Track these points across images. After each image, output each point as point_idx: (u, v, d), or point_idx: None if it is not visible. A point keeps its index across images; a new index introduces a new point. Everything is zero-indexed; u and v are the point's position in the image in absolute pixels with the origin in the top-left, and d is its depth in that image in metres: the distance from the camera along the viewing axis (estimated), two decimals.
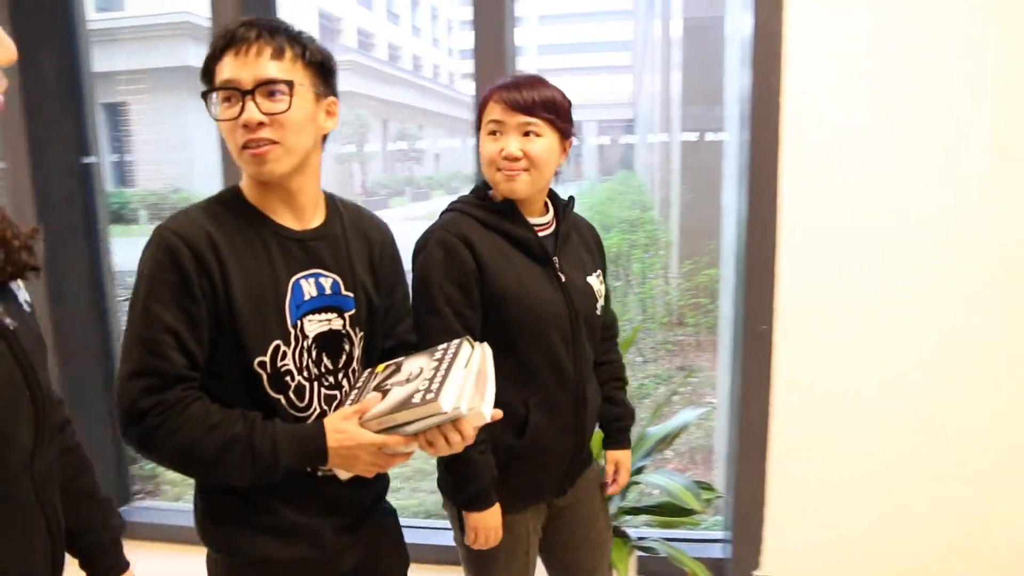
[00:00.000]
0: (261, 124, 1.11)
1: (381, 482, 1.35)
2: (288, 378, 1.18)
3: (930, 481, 2.13)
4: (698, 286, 3.80)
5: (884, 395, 2.08)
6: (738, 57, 2.10)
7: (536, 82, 1.43)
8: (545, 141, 1.40)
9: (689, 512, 2.04)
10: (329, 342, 1.22)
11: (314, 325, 1.20)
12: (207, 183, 3.30)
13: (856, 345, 2.06)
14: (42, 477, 0.91)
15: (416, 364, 1.19)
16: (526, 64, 13.88)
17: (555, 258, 1.46)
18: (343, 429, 1.13)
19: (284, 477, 1.14)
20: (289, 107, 1.11)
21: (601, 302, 1.53)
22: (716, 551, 2.33)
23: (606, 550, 1.66)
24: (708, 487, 2.13)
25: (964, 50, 1.90)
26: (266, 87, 1.11)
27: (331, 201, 1.29)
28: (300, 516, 1.23)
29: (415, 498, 3.56)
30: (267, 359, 1.16)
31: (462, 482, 1.42)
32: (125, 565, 1.19)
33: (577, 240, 1.55)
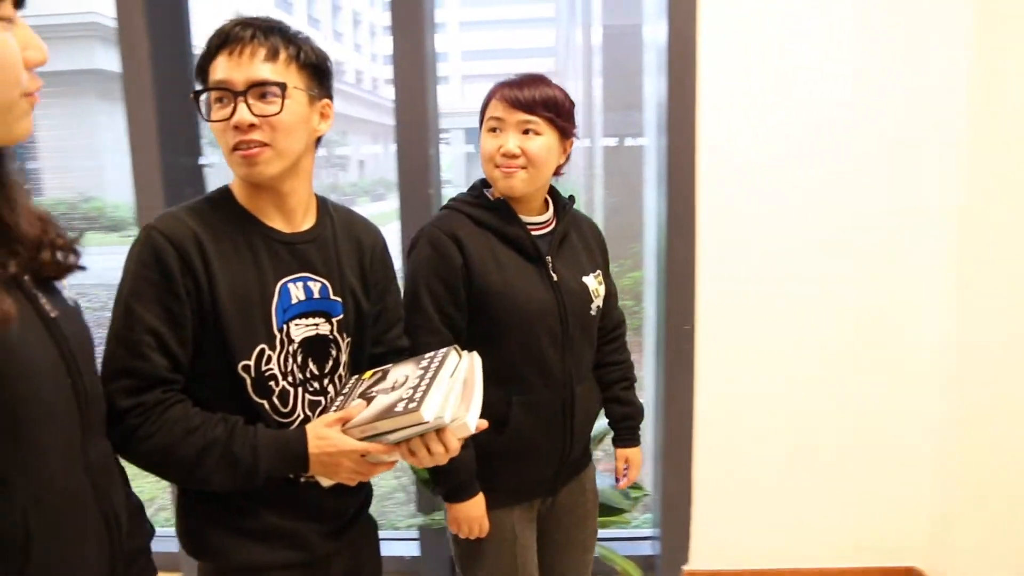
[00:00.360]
0: (252, 126, 1.10)
1: (364, 490, 1.34)
2: (272, 383, 1.16)
3: (839, 473, 2.22)
4: (623, 288, 3.85)
5: (797, 391, 2.16)
6: (655, 64, 2.15)
7: (538, 81, 1.42)
8: (544, 140, 1.40)
9: (618, 511, 2.07)
10: (315, 347, 1.21)
11: (301, 329, 1.19)
12: (119, 191, 3.17)
13: (773, 343, 2.14)
14: (98, 468, 0.89)
15: (402, 372, 1.17)
16: (448, 71, 13.85)
17: (548, 257, 1.45)
18: (325, 436, 1.11)
19: (265, 483, 1.12)
20: (281, 109, 1.10)
21: (597, 302, 1.51)
22: (646, 548, 2.37)
23: (592, 553, 1.67)
24: (636, 486, 2.16)
25: (872, 53, 1.99)
26: (258, 88, 1.09)
27: (323, 204, 1.27)
28: (283, 520, 1.21)
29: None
30: (251, 363, 1.14)
31: (441, 475, 1.41)
32: (153, 572, 1.13)
33: (577, 239, 1.54)
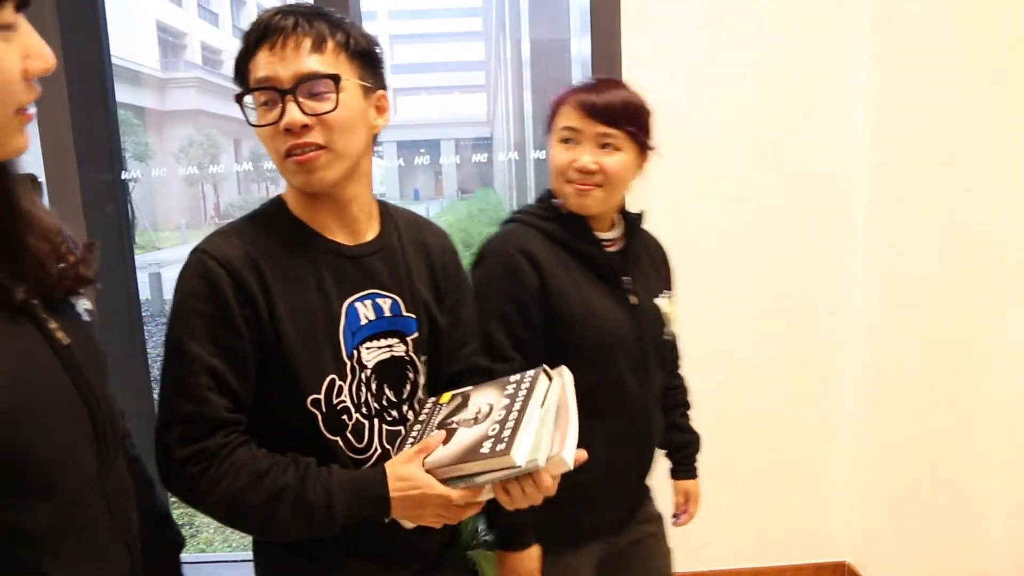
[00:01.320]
0: (305, 127, 0.96)
1: (449, 526, 1.12)
2: (345, 416, 1.03)
3: (767, 471, 2.29)
4: None
5: (725, 394, 2.22)
6: (580, 79, 2.19)
7: (616, 86, 1.28)
8: (623, 156, 1.26)
9: None
10: (391, 371, 1.07)
11: (373, 353, 1.05)
12: None
13: (703, 346, 2.19)
14: (116, 493, 0.83)
15: (485, 399, 1.02)
16: None
17: (624, 278, 1.33)
18: (407, 476, 0.98)
19: (345, 527, 1.00)
20: (336, 105, 0.96)
21: (671, 327, 1.39)
22: None
23: None
24: None
25: (799, 57, 2.08)
26: (308, 84, 0.95)
27: (385, 209, 1.13)
28: (366, 566, 1.08)
29: None
30: (321, 397, 1.01)
31: (497, 514, 1.17)
32: None
33: (646, 258, 1.41)
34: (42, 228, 0.78)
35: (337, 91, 0.96)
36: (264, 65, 0.96)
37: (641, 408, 1.34)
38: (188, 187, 8.41)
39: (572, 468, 0.95)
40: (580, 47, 2.14)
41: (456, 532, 1.22)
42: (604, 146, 1.25)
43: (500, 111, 5.76)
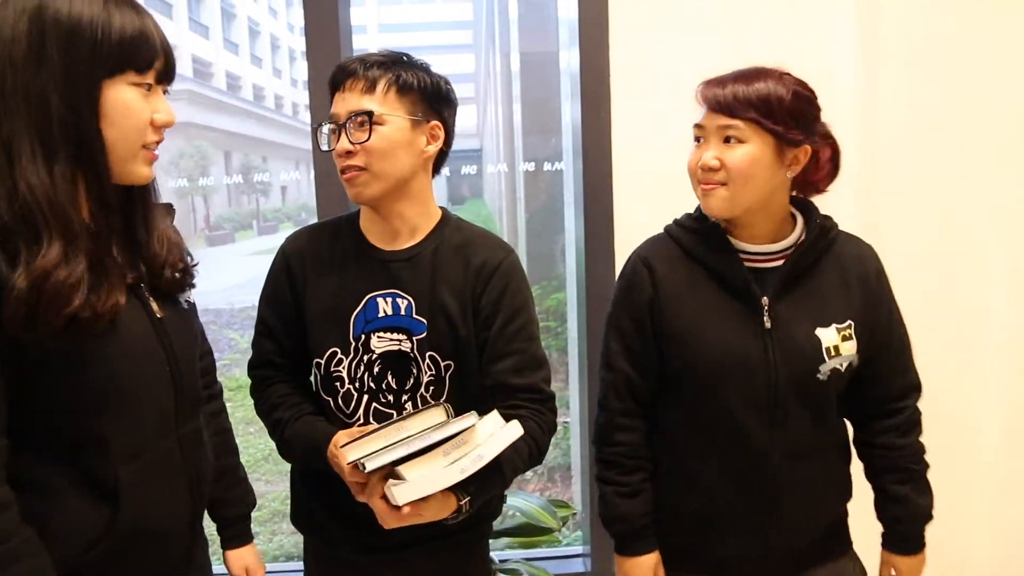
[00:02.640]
0: (349, 152, 1.21)
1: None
2: (338, 383, 1.28)
3: None
4: (547, 310, 3.92)
5: None
6: (569, 91, 2.21)
7: (751, 76, 1.18)
8: (749, 149, 1.15)
9: (547, 531, 2.09)
10: (396, 362, 1.27)
11: (384, 343, 1.26)
12: None
13: None
14: (189, 439, 1.10)
15: (465, 423, 1.08)
16: None
17: (765, 299, 1.20)
18: (336, 442, 1.18)
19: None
20: (368, 136, 1.19)
21: (833, 363, 1.20)
22: (578, 566, 2.39)
23: None
24: (564, 505, 2.19)
25: (790, 63, 2.09)
26: (355, 119, 1.20)
27: (440, 226, 1.31)
28: (331, 513, 1.33)
29: (273, 542, 3.42)
30: (322, 361, 1.28)
31: (607, 519, 1.34)
32: (249, 538, 1.38)
33: (829, 278, 1.24)
34: (162, 238, 1.08)
35: (371, 124, 1.19)
36: (335, 104, 1.24)
37: (762, 451, 1.21)
38: (179, 199, 8.40)
39: (398, 503, 1.03)
40: (569, 59, 2.15)
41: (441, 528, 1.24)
42: (727, 140, 1.17)
43: (489, 123, 5.78)
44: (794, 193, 1.29)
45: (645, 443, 1.33)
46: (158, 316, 1.05)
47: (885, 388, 1.29)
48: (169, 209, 1.18)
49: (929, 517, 1.32)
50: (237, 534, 1.36)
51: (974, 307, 2.06)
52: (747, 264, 1.23)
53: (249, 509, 1.38)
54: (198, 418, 1.14)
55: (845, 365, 1.22)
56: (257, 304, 1.35)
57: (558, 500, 2.20)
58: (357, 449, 1.07)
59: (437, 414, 1.11)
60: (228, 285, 8.30)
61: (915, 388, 1.32)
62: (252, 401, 1.37)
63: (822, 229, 1.24)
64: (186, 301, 1.14)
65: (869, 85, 2.06)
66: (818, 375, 1.20)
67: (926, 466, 1.32)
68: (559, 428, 1.34)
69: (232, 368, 5.96)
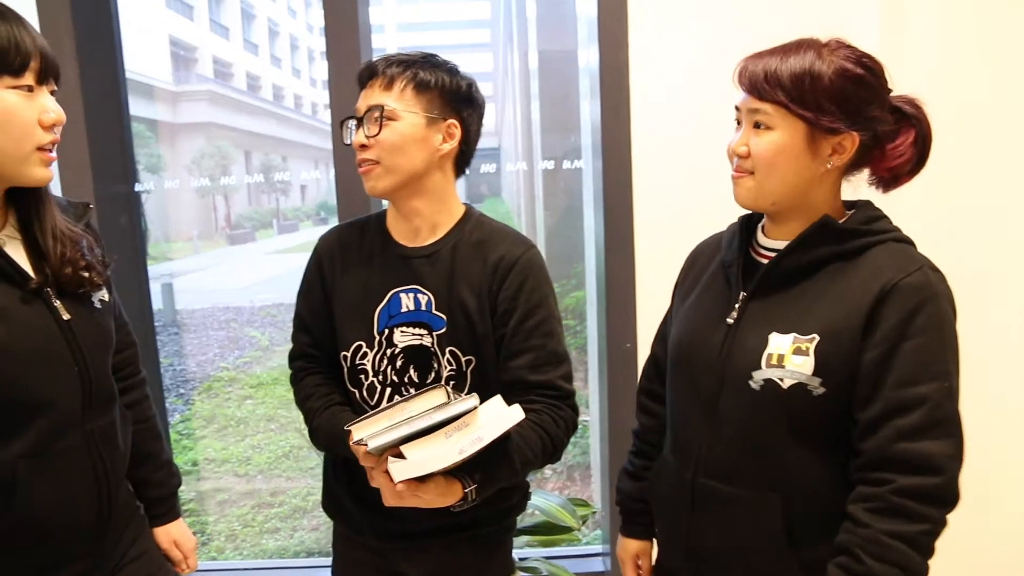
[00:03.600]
0: (363, 146, 1.25)
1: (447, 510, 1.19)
2: (362, 376, 1.32)
3: None
4: (566, 308, 3.91)
5: None
6: (588, 89, 2.20)
7: (791, 48, 1.04)
8: (773, 137, 1.02)
9: (566, 529, 2.09)
10: (418, 356, 1.30)
11: (406, 337, 1.30)
12: None
13: None
14: (98, 434, 1.15)
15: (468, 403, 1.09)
16: None
17: (743, 293, 1.11)
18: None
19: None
20: (379, 130, 1.23)
21: (770, 373, 1.02)
22: (597, 564, 2.39)
23: None
24: (583, 503, 2.19)
25: None
26: (371, 114, 1.23)
27: (461, 223, 1.33)
28: (356, 500, 1.37)
29: (294, 538, 3.44)
30: (348, 354, 1.33)
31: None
32: (176, 515, 1.43)
33: (827, 284, 1.05)
34: (60, 237, 1.10)
35: (382, 118, 1.22)
36: (359, 99, 1.28)
37: (691, 458, 1.13)
38: (200, 198, 8.48)
39: (396, 480, 1.05)
40: (588, 57, 2.15)
41: (458, 517, 1.25)
42: (757, 125, 1.05)
43: (508, 122, 5.78)
44: (876, 186, 1.13)
45: (660, 430, 1.30)
46: (65, 318, 1.09)
47: (860, 444, 1.01)
48: (87, 208, 1.22)
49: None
50: (162, 512, 1.40)
51: (991, 310, 2.03)
52: (760, 259, 1.12)
53: (173, 490, 1.43)
54: (110, 413, 1.20)
55: (790, 383, 1.01)
56: (295, 301, 1.43)
57: (578, 499, 2.20)
58: (362, 429, 1.11)
59: (438, 395, 1.14)
60: (248, 284, 8.37)
61: (906, 468, 0.96)
62: (292, 393, 1.44)
63: (825, 229, 1.05)
64: (100, 300, 1.18)
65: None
66: (750, 382, 1.04)
67: (889, 565, 0.95)
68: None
69: (252, 365, 6.01)
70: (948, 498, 0.97)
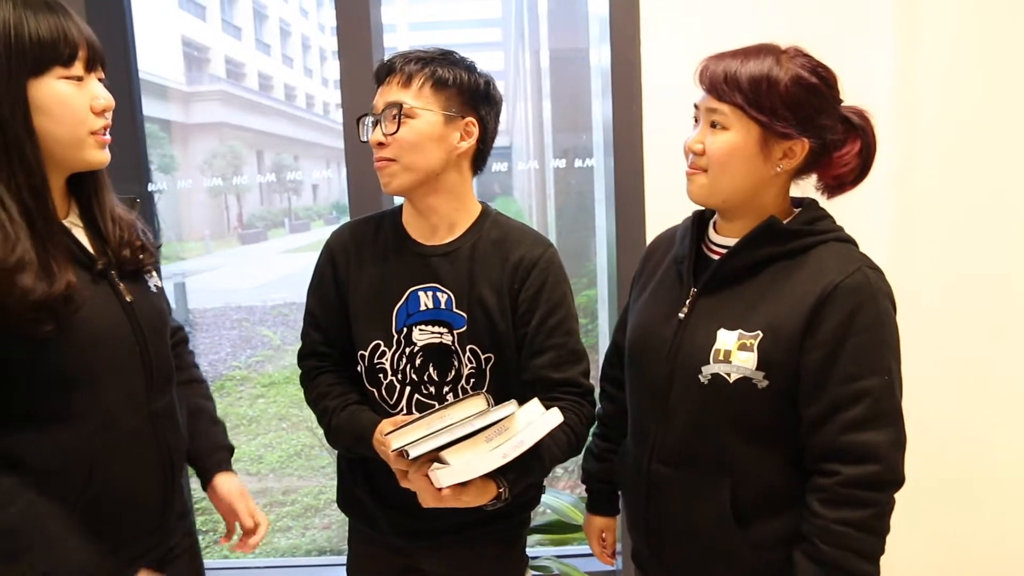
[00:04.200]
0: (381, 144, 1.24)
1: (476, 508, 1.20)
2: (381, 375, 1.31)
3: None
4: (577, 306, 3.90)
5: None
6: (600, 87, 2.20)
7: (752, 52, 1.07)
8: (728, 138, 1.06)
9: (578, 528, 2.09)
10: (438, 355, 1.29)
11: (425, 335, 1.29)
12: None
13: None
14: (160, 414, 1.17)
15: (504, 411, 1.10)
16: None
17: (693, 289, 1.15)
18: (381, 429, 1.22)
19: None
20: (397, 128, 1.22)
21: (717, 368, 1.07)
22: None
23: None
24: None
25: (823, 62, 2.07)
26: (389, 111, 1.22)
27: (479, 221, 1.33)
28: (373, 496, 1.36)
29: (306, 536, 3.46)
30: (366, 353, 1.32)
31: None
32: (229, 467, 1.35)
33: (773, 282, 1.09)
34: (116, 219, 1.15)
35: (400, 116, 1.21)
36: (376, 96, 1.27)
37: (646, 447, 1.18)
38: (212, 198, 8.53)
39: (440, 486, 1.06)
40: (600, 55, 2.14)
41: (486, 515, 1.26)
42: (713, 124, 1.08)
43: (519, 120, 5.77)
44: (822, 192, 1.18)
45: (620, 415, 1.35)
46: (128, 300, 1.13)
47: (810, 439, 1.07)
48: (134, 203, 1.26)
49: None
50: (217, 463, 1.33)
51: (1012, 312, 2.01)
52: (712, 256, 1.16)
53: (229, 452, 1.36)
54: (170, 395, 1.21)
55: (736, 378, 1.06)
56: (307, 295, 1.41)
57: None
58: (401, 437, 1.10)
59: (478, 402, 1.13)
60: (260, 283, 8.41)
61: (851, 458, 1.03)
62: (302, 391, 1.43)
63: (771, 230, 1.09)
64: (155, 285, 1.21)
65: (908, 79, 2.02)
66: (699, 376, 1.09)
67: (844, 550, 1.04)
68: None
69: (265, 364, 6.04)
70: (891, 481, 1.06)
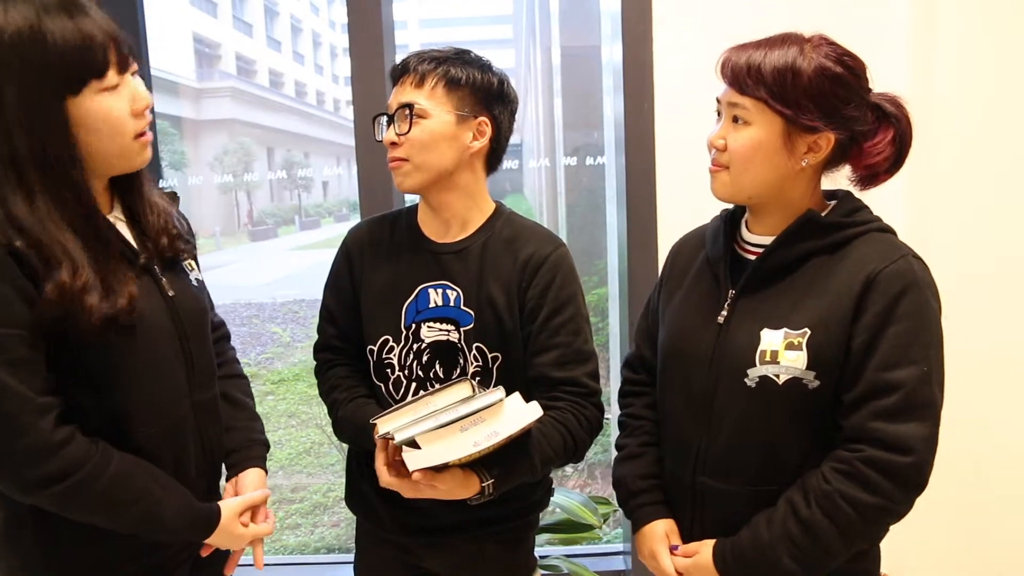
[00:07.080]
0: (394, 144, 1.25)
1: (471, 506, 1.19)
2: (388, 370, 1.32)
3: None
4: (588, 305, 3.90)
5: None
6: (611, 85, 2.18)
7: (775, 42, 1.04)
8: (750, 133, 1.03)
9: (588, 527, 2.08)
10: (445, 352, 1.29)
11: (433, 332, 1.29)
12: None
13: None
14: (203, 406, 1.19)
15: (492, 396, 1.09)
16: None
17: (731, 291, 1.11)
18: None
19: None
20: (409, 128, 1.22)
21: (765, 370, 1.03)
22: (618, 563, 2.38)
23: None
24: (605, 501, 2.18)
25: None
26: (402, 111, 1.23)
27: (491, 219, 1.33)
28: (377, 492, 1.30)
29: (315, 534, 3.46)
30: (375, 348, 1.33)
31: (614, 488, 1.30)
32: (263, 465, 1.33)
33: (814, 278, 1.05)
34: (158, 211, 1.16)
35: (411, 116, 1.22)
36: (391, 96, 1.27)
37: (690, 458, 1.13)
38: (222, 195, 8.55)
39: (412, 469, 1.04)
40: (611, 53, 2.13)
41: (481, 518, 1.29)
42: (735, 119, 1.05)
43: (530, 118, 5.76)
44: (855, 183, 1.14)
45: (651, 408, 1.28)
46: (170, 294, 1.14)
47: (843, 422, 1.02)
48: (174, 197, 1.26)
49: (771, 563, 1.01)
50: (261, 455, 1.31)
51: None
52: (746, 255, 1.12)
53: (264, 447, 1.33)
54: (212, 388, 1.23)
55: (785, 379, 1.02)
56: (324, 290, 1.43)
57: (599, 497, 2.19)
58: (388, 423, 1.10)
59: (463, 389, 1.12)
60: (270, 280, 8.44)
61: (880, 445, 0.98)
62: (316, 384, 1.44)
63: (810, 224, 1.06)
64: (196, 279, 1.22)
65: (924, 75, 2.00)
66: (745, 380, 1.04)
67: (831, 522, 0.99)
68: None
69: (274, 361, 6.06)
70: (915, 480, 0.98)
